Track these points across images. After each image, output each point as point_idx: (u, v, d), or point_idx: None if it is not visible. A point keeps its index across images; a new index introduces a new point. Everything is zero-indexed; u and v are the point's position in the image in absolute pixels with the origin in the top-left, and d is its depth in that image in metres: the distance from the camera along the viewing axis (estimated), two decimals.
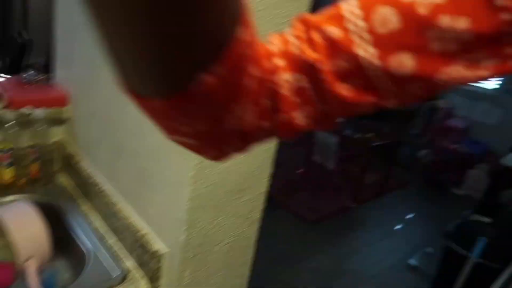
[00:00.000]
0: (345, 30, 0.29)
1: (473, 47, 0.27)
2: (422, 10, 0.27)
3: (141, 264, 0.85)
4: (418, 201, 3.58)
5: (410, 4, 0.27)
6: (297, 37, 0.31)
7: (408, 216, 3.24)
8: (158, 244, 0.81)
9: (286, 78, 0.30)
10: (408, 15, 0.27)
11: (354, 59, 0.29)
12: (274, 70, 0.30)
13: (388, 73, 0.29)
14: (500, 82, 3.86)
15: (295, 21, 0.32)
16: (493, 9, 0.25)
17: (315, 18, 0.30)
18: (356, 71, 0.29)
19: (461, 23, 0.26)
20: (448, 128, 4.05)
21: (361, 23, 0.28)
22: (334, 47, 0.29)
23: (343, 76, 0.29)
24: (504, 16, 0.26)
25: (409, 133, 4.18)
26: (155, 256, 0.80)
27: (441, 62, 0.28)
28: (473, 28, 0.26)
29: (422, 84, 0.29)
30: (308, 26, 0.30)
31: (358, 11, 0.29)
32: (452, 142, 3.93)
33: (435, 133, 4.12)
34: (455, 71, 0.28)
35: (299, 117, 0.32)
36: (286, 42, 0.31)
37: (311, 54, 0.29)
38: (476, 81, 0.29)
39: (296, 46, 0.30)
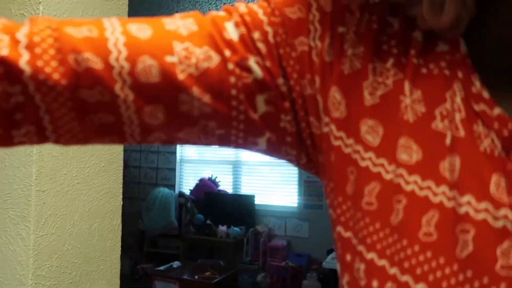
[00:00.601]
0: (108, 64, 0.31)
1: (210, 118, 0.33)
2: (181, 76, 0.32)
3: None
4: None
5: (172, 65, 0.31)
6: (45, 52, 0.30)
7: None
8: None
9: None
10: (168, 75, 0.31)
11: (110, 93, 0.31)
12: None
13: (140, 118, 0.33)
14: (298, 202, 4.62)
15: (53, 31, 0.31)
16: (227, 98, 0.33)
17: (74, 36, 0.31)
18: (109, 108, 0.32)
19: (206, 98, 0.32)
20: (273, 248, 4.44)
21: (125, 64, 0.31)
22: (91, 77, 0.31)
23: (88, 108, 0.32)
24: (233, 103, 0.33)
25: (243, 261, 4.38)
26: None
27: (184, 123, 0.33)
28: (212, 104, 0.33)
29: (163, 136, 0.34)
30: (64, 44, 0.31)
31: (124, 52, 0.31)
32: (280, 260, 4.29)
33: (264, 256, 4.44)
34: (190, 134, 0.34)
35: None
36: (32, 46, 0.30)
37: (55, 76, 0.30)
38: (205, 145, 0.36)
39: (44, 60, 0.30)
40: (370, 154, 0.31)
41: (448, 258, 0.27)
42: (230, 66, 0.32)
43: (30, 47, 0.30)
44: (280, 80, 0.33)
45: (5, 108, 0.30)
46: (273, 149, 0.37)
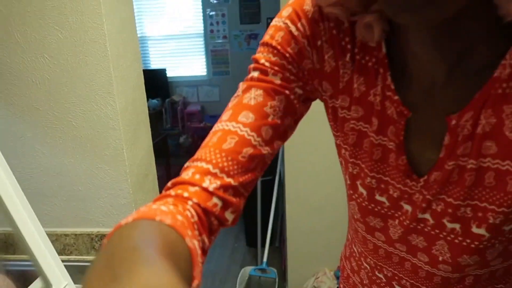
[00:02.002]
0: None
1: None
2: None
3: None
4: None
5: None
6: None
7: None
8: None
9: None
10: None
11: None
12: None
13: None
14: (207, 70, 5.08)
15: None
16: None
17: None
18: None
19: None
20: (190, 114, 5.06)
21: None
22: None
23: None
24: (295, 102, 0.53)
25: (165, 128, 4.97)
26: None
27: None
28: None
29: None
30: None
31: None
32: (197, 122, 4.97)
33: (182, 121, 5.07)
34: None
35: None
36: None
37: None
38: None
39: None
40: (344, 110, 0.53)
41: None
42: (292, 96, 0.52)
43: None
44: (300, 84, 0.53)
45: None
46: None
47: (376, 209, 0.54)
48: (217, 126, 0.50)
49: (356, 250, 0.68)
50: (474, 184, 0.45)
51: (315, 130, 1.82)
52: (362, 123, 0.51)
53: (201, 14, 4.80)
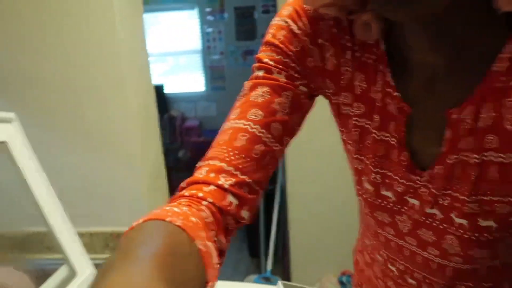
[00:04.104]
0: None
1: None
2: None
3: None
4: None
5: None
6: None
7: None
8: None
9: None
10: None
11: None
12: None
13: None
14: (205, 85, 5.17)
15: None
16: None
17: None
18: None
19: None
20: (188, 129, 5.12)
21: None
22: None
23: None
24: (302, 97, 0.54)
25: (164, 143, 5.00)
26: None
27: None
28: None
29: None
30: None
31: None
32: (196, 136, 5.02)
33: (180, 136, 5.11)
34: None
35: None
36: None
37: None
38: None
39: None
40: (347, 107, 0.53)
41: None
42: (298, 93, 0.52)
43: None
44: (305, 82, 0.53)
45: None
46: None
47: (382, 204, 0.55)
48: (227, 125, 0.50)
49: (368, 243, 0.68)
50: (479, 179, 0.45)
51: (315, 136, 1.88)
52: (364, 120, 0.52)
53: (199, 31, 4.91)
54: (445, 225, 0.50)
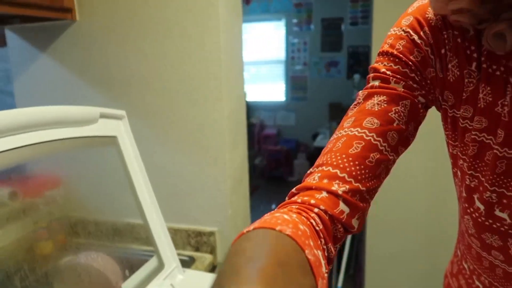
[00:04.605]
0: None
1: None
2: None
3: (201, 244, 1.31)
4: (271, 195, 4.53)
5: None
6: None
7: (273, 206, 4.12)
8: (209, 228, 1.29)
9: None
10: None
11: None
12: None
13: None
14: (285, 95, 5.22)
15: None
16: None
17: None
18: None
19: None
20: (266, 136, 5.20)
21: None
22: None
23: None
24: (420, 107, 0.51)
25: None
26: (211, 235, 1.28)
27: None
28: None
29: None
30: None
31: None
32: (273, 145, 5.08)
33: (258, 143, 5.21)
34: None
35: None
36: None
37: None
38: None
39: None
40: (466, 120, 0.51)
41: None
42: (416, 101, 0.51)
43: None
44: (423, 92, 0.52)
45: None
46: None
47: (494, 226, 0.51)
48: (340, 133, 0.49)
49: (467, 267, 0.64)
50: None
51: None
52: (485, 135, 0.49)
53: (284, 41, 4.99)
54: None
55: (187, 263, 1.23)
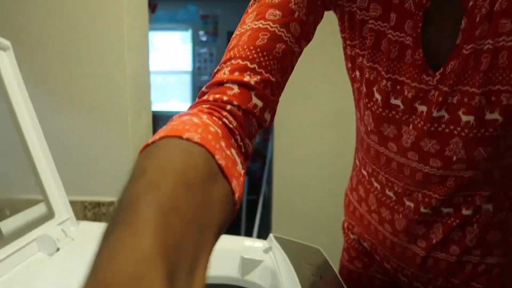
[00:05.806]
0: None
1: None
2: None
3: None
4: None
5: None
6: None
7: None
8: None
9: None
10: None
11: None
12: None
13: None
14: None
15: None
16: None
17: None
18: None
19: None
20: None
21: None
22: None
23: None
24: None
25: None
26: (111, 205, 1.18)
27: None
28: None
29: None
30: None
31: None
32: None
33: None
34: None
35: None
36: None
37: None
38: None
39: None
40: (363, 11, 0.52)
41: None
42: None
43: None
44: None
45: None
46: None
47: (390, 115, 0.55)
48: (243, 28, 0.49)
49: (365, 173, 0.68)
50: (489, 67, 0.46)
51: (302, 142, 1.89)
52: (380, 22, 0.52)
53: (191, 52, 5.00)
54: (451, 127, 0.51)
55: None
